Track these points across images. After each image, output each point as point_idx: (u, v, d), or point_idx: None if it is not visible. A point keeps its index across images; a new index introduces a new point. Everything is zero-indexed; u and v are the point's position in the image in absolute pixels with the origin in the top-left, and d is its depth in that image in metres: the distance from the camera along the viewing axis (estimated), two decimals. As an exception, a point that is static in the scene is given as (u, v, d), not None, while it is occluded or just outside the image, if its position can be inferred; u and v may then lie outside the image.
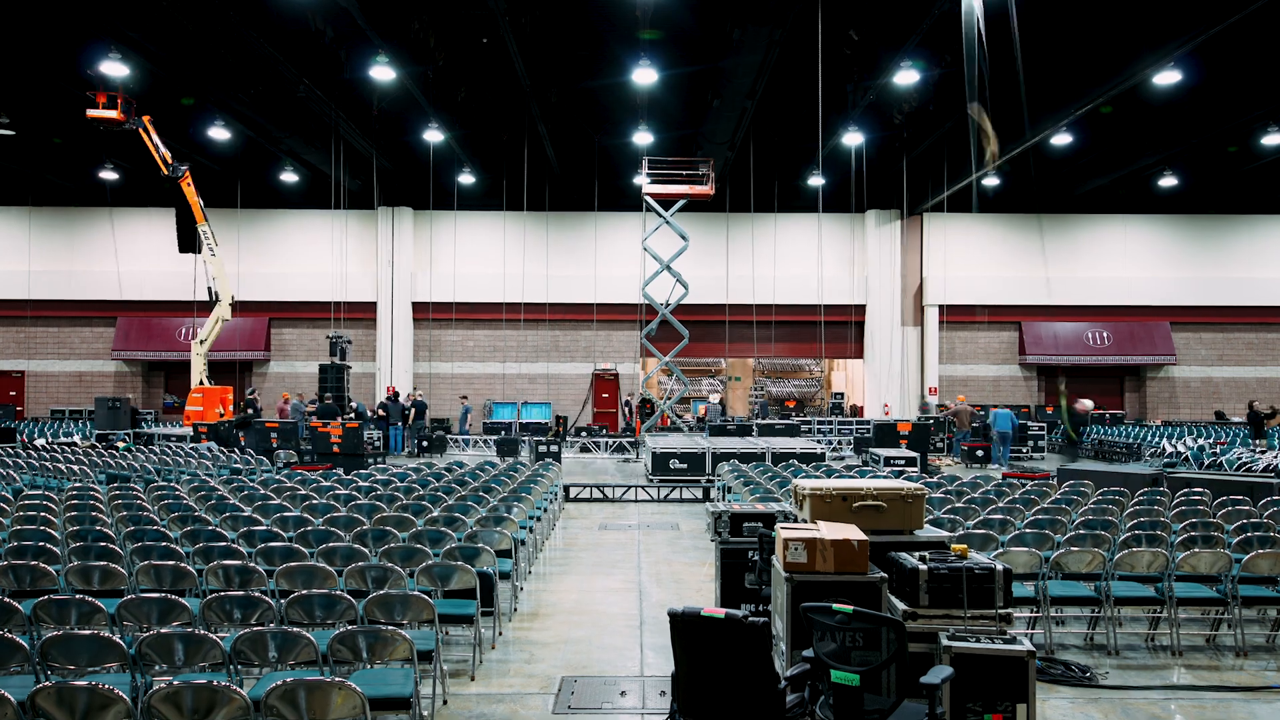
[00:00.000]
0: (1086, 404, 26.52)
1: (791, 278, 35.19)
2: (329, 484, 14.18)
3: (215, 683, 5.03)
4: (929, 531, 7.10)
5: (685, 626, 4.98)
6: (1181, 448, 23.08)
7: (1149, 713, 7.15)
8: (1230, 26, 17.71)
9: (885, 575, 6.20)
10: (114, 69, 21.87)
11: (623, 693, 7.50)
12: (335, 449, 21.51)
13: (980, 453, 25.04)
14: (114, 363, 35.79)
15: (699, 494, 19.38)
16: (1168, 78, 21.43)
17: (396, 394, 30.27)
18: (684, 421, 31.41)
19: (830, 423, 30.45)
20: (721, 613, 4.88)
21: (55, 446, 22.51)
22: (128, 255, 35.44)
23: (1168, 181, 32.10)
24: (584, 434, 30.58)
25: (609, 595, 10.79)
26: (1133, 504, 12.06)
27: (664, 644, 8.54)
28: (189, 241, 29.68)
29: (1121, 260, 35.92)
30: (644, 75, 21.52)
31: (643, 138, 27.38)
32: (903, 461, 19.41)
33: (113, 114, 24.44)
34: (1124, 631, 9.11)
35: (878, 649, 4.93)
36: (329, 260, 34.89)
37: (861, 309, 35.99)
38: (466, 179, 33.43)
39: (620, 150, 31.45)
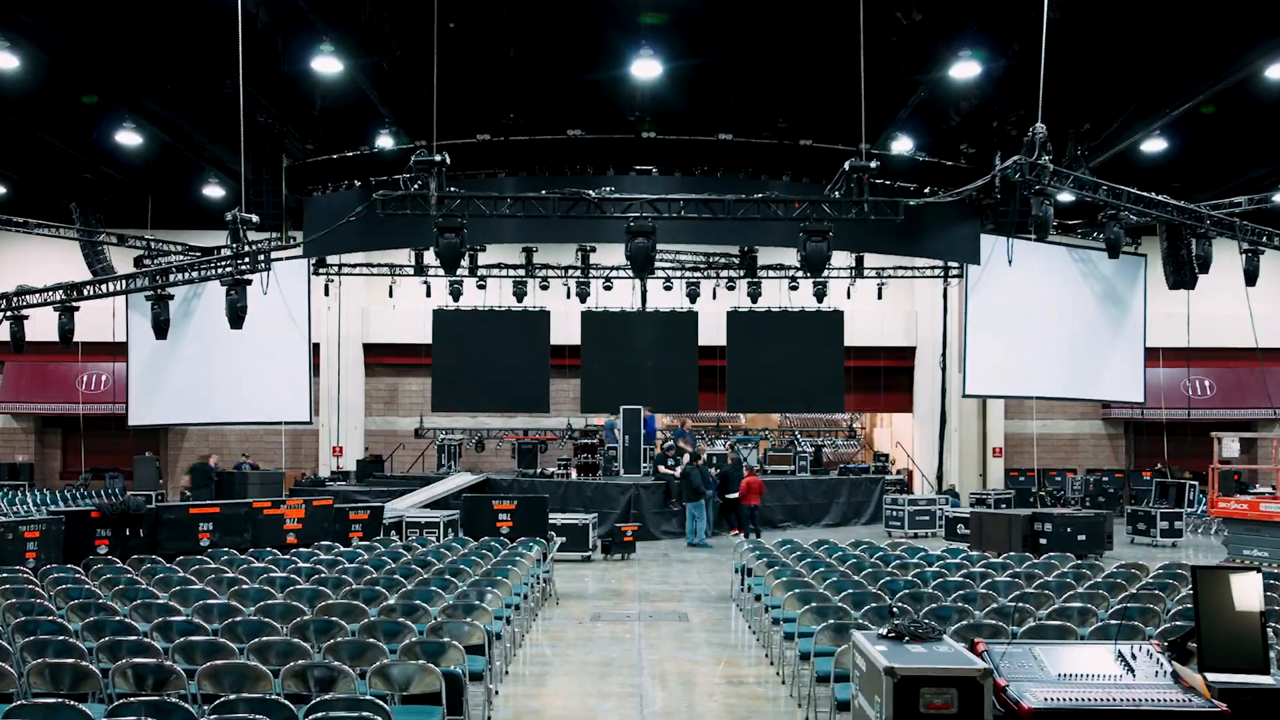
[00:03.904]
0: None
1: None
2: (262, 565, 14.22)
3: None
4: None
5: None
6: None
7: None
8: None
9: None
10: (1, 60, 22.02)
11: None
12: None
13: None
14: (1, 417, 35.85)
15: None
16: (1284, 70, 21.64)
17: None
18: None
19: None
20: None
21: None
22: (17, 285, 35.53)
23: (1285, 197, 32.25)
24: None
25: (603, 701, 10.83)
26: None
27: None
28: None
29: (1228, 293, 35.88)
30: (645, 68, 21.69)
31: (643, 143, 27.42)
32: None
33: None
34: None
35: None
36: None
37: (909, 352, 36.07)
38: (431, 193, 33.52)
39: (616, 158, 31.61)
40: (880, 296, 33.44)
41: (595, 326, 32.89)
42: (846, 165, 19.24)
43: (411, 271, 32.28)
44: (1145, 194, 21.92)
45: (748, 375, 32.80)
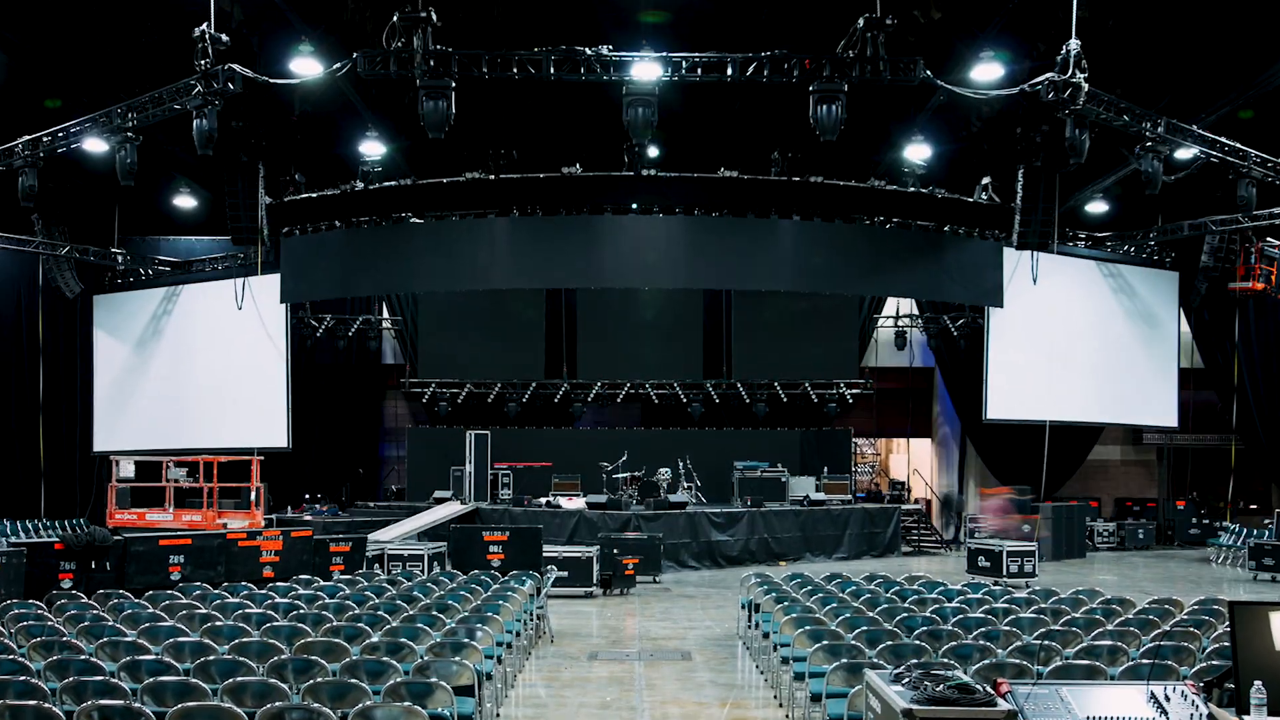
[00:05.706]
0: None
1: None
2: (236, 600, 14.21)
3: None
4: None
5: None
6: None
7: None
8: None
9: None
10: (-40, 62, 22.09)
11: None
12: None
13: None
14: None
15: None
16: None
17: None
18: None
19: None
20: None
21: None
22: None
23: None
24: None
25: (601, 746, 10.84)
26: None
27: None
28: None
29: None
30: (646, 70, 21.71)
31: (642, 152, 27.38)
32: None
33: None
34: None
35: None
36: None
37: (928, 374, 36.02)
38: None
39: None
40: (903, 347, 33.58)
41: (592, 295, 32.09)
42: (860, 21, 18.96)
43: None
44: (1185, 126, 21.84)
45: (753, 341, 32.18)
